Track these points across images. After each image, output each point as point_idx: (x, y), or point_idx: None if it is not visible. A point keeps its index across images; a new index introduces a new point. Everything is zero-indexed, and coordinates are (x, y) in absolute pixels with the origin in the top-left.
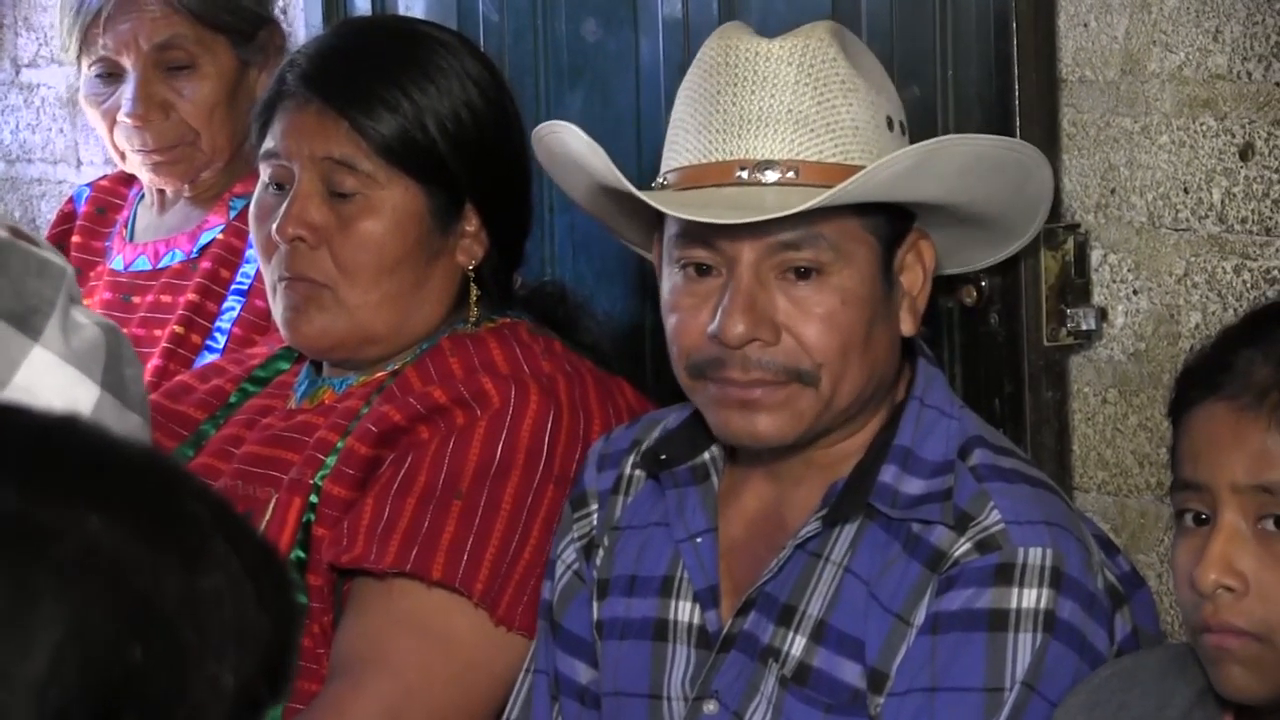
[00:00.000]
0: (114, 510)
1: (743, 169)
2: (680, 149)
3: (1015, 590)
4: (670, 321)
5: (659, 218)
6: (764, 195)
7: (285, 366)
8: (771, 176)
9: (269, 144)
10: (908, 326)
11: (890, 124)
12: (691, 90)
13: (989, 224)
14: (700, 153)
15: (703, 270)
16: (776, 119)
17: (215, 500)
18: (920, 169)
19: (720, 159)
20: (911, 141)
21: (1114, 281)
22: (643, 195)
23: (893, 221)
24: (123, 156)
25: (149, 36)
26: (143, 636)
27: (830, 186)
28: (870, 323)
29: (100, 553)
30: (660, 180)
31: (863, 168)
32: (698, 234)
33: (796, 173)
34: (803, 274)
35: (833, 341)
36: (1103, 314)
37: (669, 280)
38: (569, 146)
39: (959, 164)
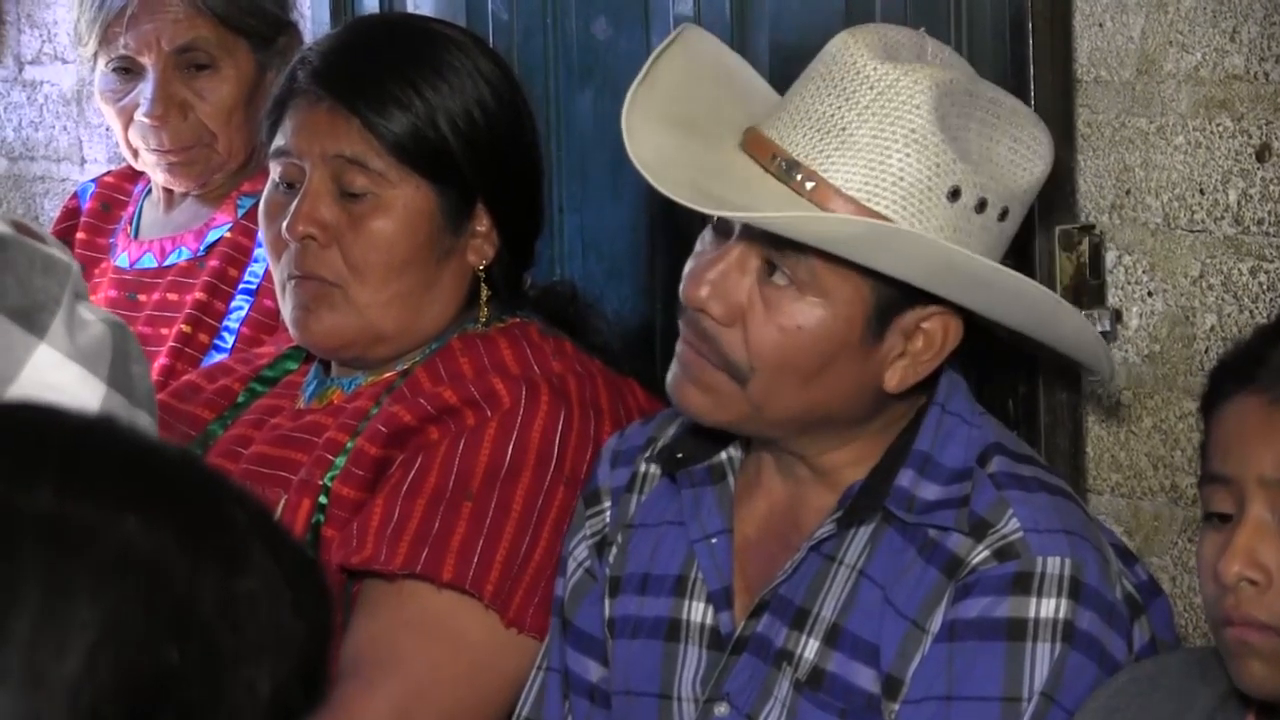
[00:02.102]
0: (152, 512)
1: (778, 157)
2: (775, 113)
3: (1034, 600)
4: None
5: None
6: (773, 191)
7: (293, 366)
8: (794, 176)
9: (279, 141)
10: (892, 383)
11: (955, 195)
12: (810, 68)
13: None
14: (770, 125)
15: (717, 229)
16: (828, 129)
17: (254, 504)
18: (867, 241)
19: (773, 138)
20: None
21: (1129, 283)
22: (629, 145)
23: (907, 287)
24: (135, 154)
25: (171, 38)
26: (179, 639)
27: (832, 213)
28: (828, 360)
29: (137, 554)
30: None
31: (882, 217)
32: None
33: (814, 187)
34: (780, 279)
35: (774, 354)
36: (1117, 316)
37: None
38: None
39: (934, 266)
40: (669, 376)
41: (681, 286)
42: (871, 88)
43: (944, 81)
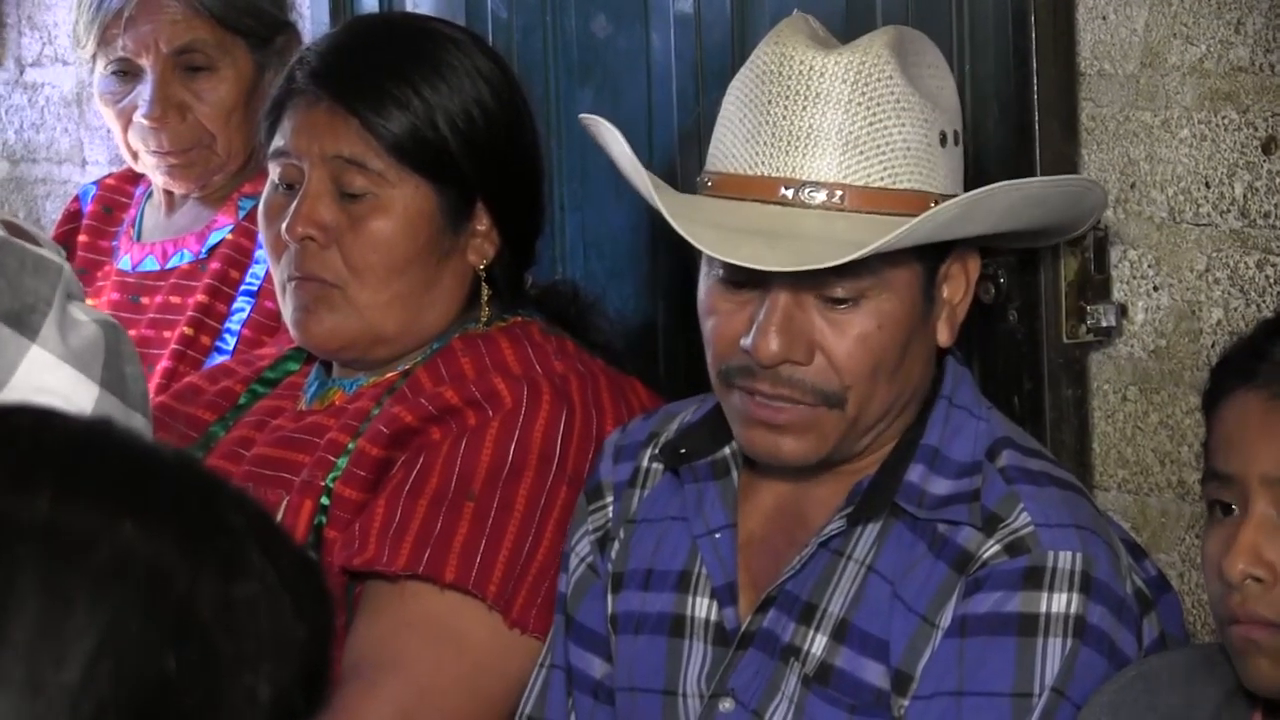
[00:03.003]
0: (149, 517)
1: (788, 187)
2: (726, 153)
3: (1045, 595)
4: (707, 325)
5: None
6: (807, 220)
7: (295, 368)
8: (817, 198)
9: (278, 142)
10: (944, 337)
11: (944, 139)
12: (742, 93)
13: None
14: (746, 163)
15: (740, 282)
16: (826, 138)
17: (252, 508)
18: (966, 214)
19: (766, 174)
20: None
21: (1134, 278)
22: (679, 228)
23: (939, 244)
24: (135, 156)
25: (169, 40)
26: (177, 645)
27: (875, 212)
28: (905, 344)
29: (135, 560)
30: (704, 179)
31: (911, 190)
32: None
33: (843, 197)
34: (841, 301)
35: (864, 364)
36: (1123, 310)
37: (706, 281)
38: (610, 149)
39: (1007, 204)
40: (746, 437)
41: (746, 347)
42: (844, 80)
43: (891, 42)
